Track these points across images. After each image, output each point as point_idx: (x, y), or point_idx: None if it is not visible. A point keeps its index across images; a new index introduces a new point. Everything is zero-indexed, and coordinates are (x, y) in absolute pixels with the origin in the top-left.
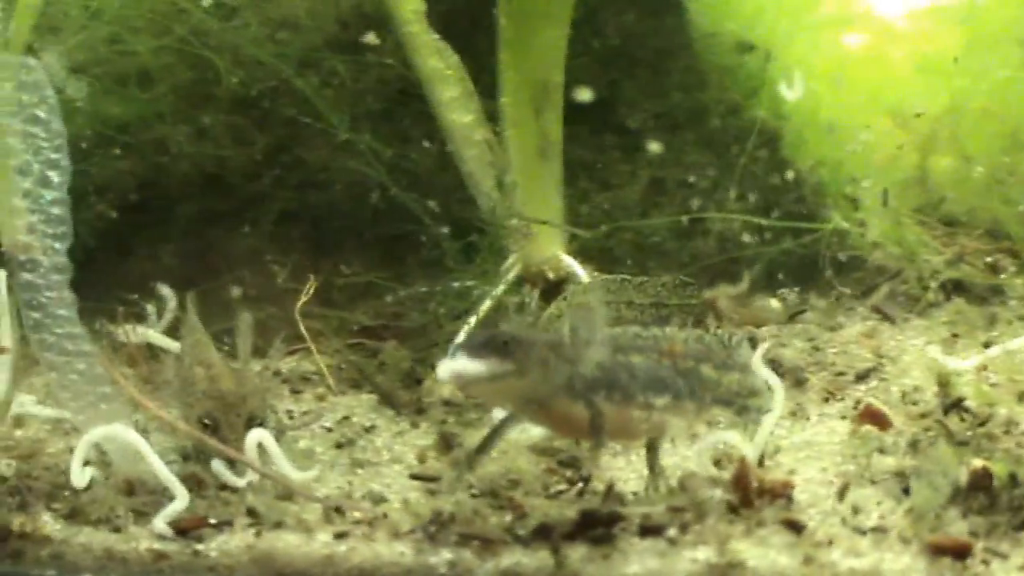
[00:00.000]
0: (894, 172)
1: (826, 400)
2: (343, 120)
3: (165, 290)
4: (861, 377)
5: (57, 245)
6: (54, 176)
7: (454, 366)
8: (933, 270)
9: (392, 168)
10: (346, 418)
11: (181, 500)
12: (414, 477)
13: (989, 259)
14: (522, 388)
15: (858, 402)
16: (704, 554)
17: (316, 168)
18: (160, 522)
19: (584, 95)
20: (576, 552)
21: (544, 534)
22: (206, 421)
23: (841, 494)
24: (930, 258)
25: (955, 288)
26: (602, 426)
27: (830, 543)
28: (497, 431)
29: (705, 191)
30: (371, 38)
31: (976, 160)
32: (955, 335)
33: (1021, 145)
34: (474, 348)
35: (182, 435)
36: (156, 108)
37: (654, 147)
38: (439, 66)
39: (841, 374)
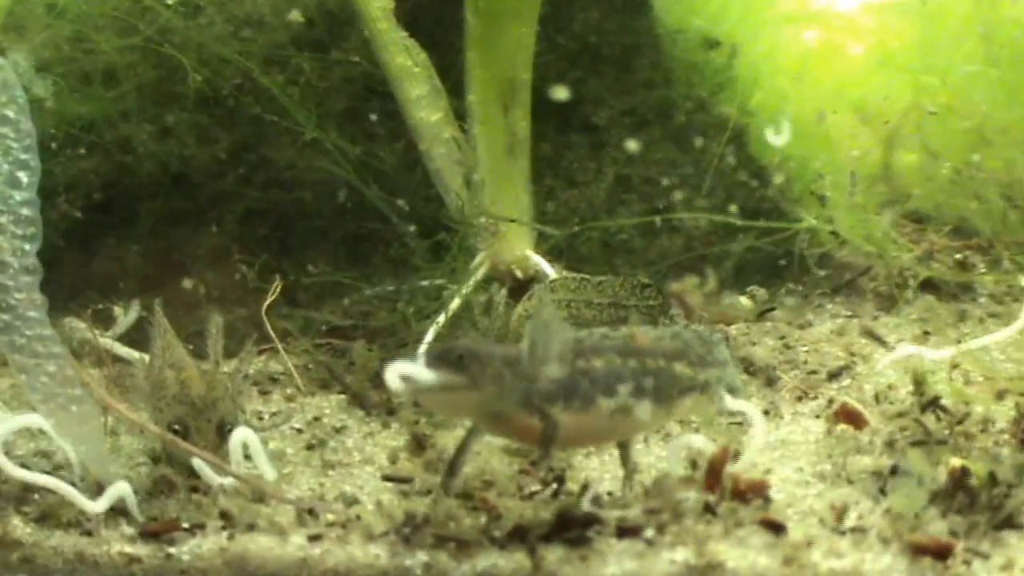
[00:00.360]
0: (860, 168)
1: (799, 399)
2: (310, 118)
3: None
4: (834, 375)
5: (27, 246)
6: (24, 176)
7: (408, 376)
8: (902, 267)
9: (359, 166)
10: (316, 419)
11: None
12: (386, 478)
13: (958, 256)
14: (476, 402)
15: (831, 401)
16: (682, 555)
17: (282, 167)
18: None
19: (551, 93)
20: (553, 554)
21: (520, 536)
22: (176, 427)
23: (840, 516)
24: (899, 254)
25: (924, 285)
26: (552, 437)
27: (809, 544)
28: (464, 447)
29: (672, 188)
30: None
31: (942, 156)
32: (926, 332)
33: (987, 141)
34: (429, 360)
35: (152, 437)
36: (120, 107)
37: (624, 144)
38: (407, 63)
39: (813, 372)
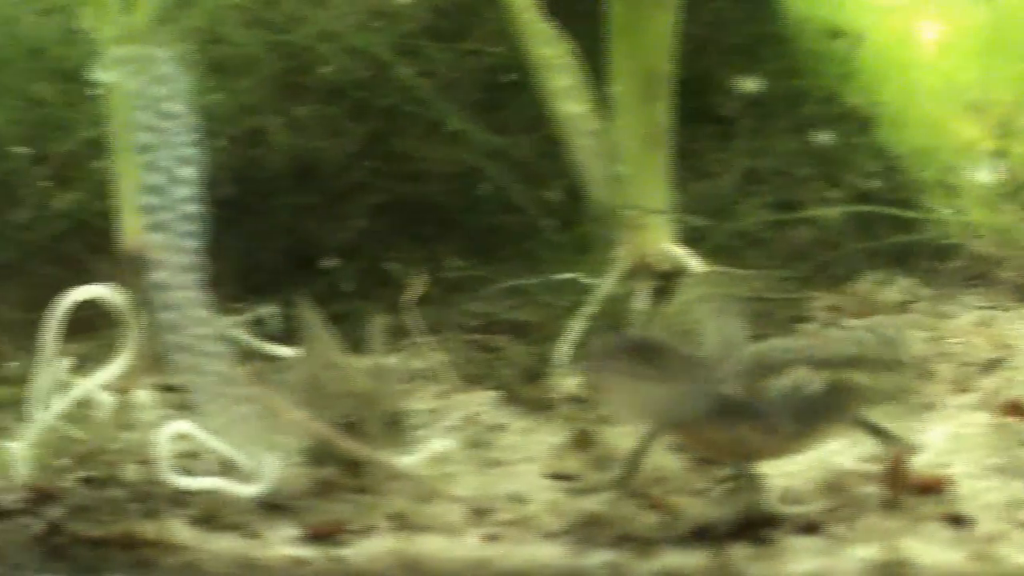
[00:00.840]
0: (978, 159)
1: (958, 392)
2: (450, 109)
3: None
4: (987, 368)
5: (190, 243)
6: (187, 172)
7: (599, 363)
8: None
9: (494, 157)
10: (473, 416)
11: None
12: (551, 476)
13: None
14: (661, 401)
15: (990, 393)
16: (869, 552)
17: (418, 159)
18: None
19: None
20: (738, 552)
21: (703, 534)
22: (343, 422)
23: None
24: None
25: None
26: (748, 457)
27: (997, 538)
28: (643, 447)
29: (801, 179)
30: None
31: None
32: None
33: None
34: (621, 349)
35: (315, 436)
36: (251, 98)
37: (753, 135)
38: (552, 54)
39: (967, 365)
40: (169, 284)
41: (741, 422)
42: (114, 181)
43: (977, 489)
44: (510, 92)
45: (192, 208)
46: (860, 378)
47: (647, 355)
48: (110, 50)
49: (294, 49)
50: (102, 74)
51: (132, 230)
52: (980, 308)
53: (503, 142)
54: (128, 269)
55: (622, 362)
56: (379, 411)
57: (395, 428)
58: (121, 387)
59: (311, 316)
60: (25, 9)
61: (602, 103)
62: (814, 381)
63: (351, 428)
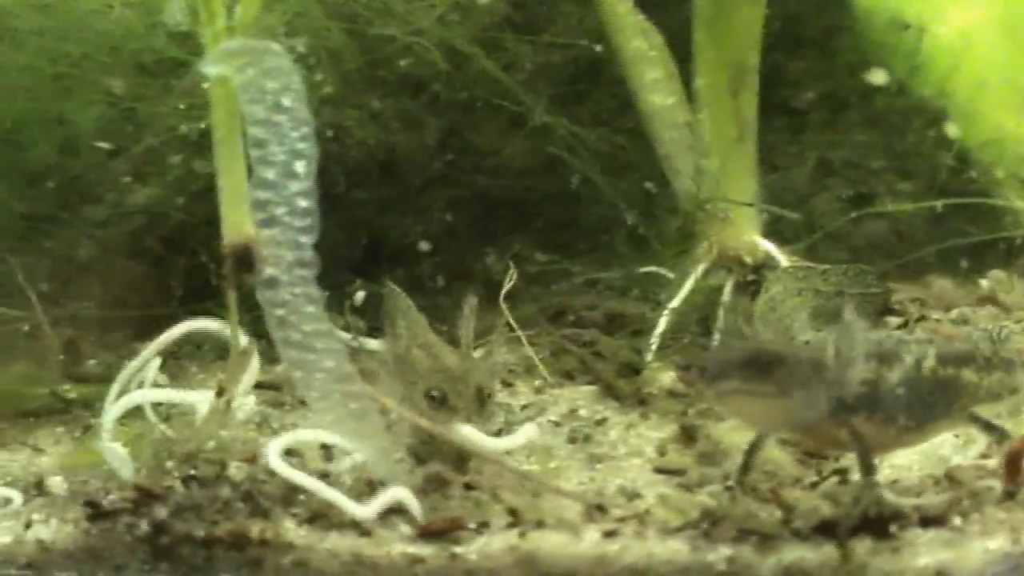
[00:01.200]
0: None
1: None
2: (537, 103)
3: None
4: None
5: (302, 239)
6: (300, 166)
7: (717, 381)
8: None
9: (576, 150)
10: (572, 411)
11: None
12: (659, 471)
13: None
14: (783, 410)
15: None
16: (995, 543)
17: (495, 151)
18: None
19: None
20: (861, 546)
21: (825, 528)
22: (433, 394)
23: None
24: None
25: None
26: (867, 452)
27: None
28: (758, 444)
29: (873, 172)
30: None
31: None
32: None
33: None
34: (735, 364)
35: (422, 430)
36: (333, 91)
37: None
38: (643, 47)
39: None
40: (280, 280)
41: (856, 416)
42: (216, 177)
43: None
44: (593, 84)
45: (305, 203)
46: (970, 375)
47: (763, 367)
48: (219, 44)
49: (375, 42)
50: (210, 68)
51: (235, 226)
52: None
53: (588, 135)
54: (232, 265)
55: (739, 378)
56: (469, 388)
57: (484, 406)
58: (219, 387)
59: (398, 298)
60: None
61: (688, 96)
62: (928, 374)
63: (441, 403)
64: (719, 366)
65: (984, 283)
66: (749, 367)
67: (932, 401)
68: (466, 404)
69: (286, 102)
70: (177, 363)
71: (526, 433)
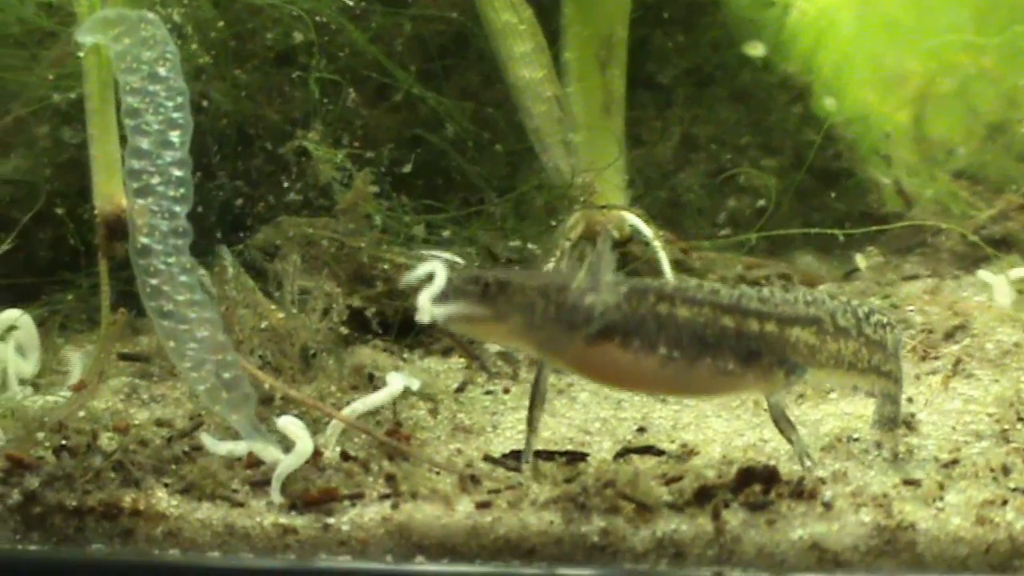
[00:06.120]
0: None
1: (923, 359)
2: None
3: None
4: (950, 335)
5: (177, 208)
6: (175, 136)
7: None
8: (978, 225)
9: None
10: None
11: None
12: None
13: None
14: (504, 331)
15: (958, 361)
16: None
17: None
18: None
19: None
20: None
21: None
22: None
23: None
24: (975, 214)
25: (999, 243)
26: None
27: None
28: (538, 379)
29: (738, 148)
30: None
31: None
32: (1020, 291)
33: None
34: (454, 289)
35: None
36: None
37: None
38: (512, 20)
39: (930, 332)
40: (154, 249)
41: (609, 341)
42: (88, 146)
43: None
44: (459, 57)
45: (180, 173)
46: (804, 334)
47: (483, 289)
48: (94, 13)
49: (240, 14)
50: (85, 36)
51: (107, 195)
52: (926, 276)
53: (455, 108)
54: (104, 234)
55: (460, 303)
56: (294, 348)
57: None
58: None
59: (226, 262)
60: None
61: (557, 70)
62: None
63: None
64: (443, 294)
65: (859, 258)
66: (468, 292)
67: (712, 342)
68: (291, 363)
69: (162, 72)
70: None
71: (390, 388)
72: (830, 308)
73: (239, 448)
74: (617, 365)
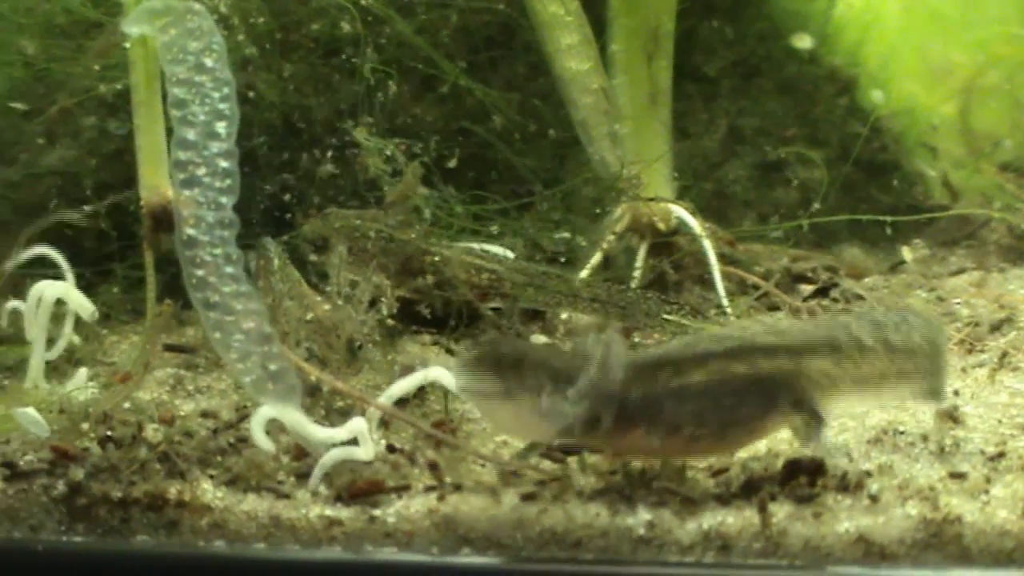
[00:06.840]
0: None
1: (969, 352)
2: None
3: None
4: (995, 327)
5: (223, 199)
6: (221, 127)
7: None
8: None
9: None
10: None
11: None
12: None
13: None
14: (521, 416)
15: (1004, 354)
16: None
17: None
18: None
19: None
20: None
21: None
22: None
23: None
24: (1021, 206)
25: None
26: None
27: None
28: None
29: (784, 140)
30: None
31: None
32: None
33: None
34: (477, 362)
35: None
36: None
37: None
38: (559, 12)
39: (976, 325)
40: (200, 241)
41: (636, 426)
42: (134, 137)
43: None
44: (506, 49)
45: (226, 164)
46: (821, 364)
47: (511, 367)
48: (141, 3)
49: (286, 5)
50: (131, 27)
51: (153, 186)
52: (972, 269)
53: (502, 100)
54: (150, 225)
55: (488, 378)
56: (340, 340)
57: (355, 357)
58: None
59: (272, 253)
60: None
61: (604, 62)
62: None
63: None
64: (465, 363)
65: (905, 251)
66: (486, 365)
67: (733, 404)
68: (337, 355)
69: (208, 62)
70: (89, 327)
71: (350, 427)
72: (853, 331)
73: (339, 434)
74: (651, 448)
